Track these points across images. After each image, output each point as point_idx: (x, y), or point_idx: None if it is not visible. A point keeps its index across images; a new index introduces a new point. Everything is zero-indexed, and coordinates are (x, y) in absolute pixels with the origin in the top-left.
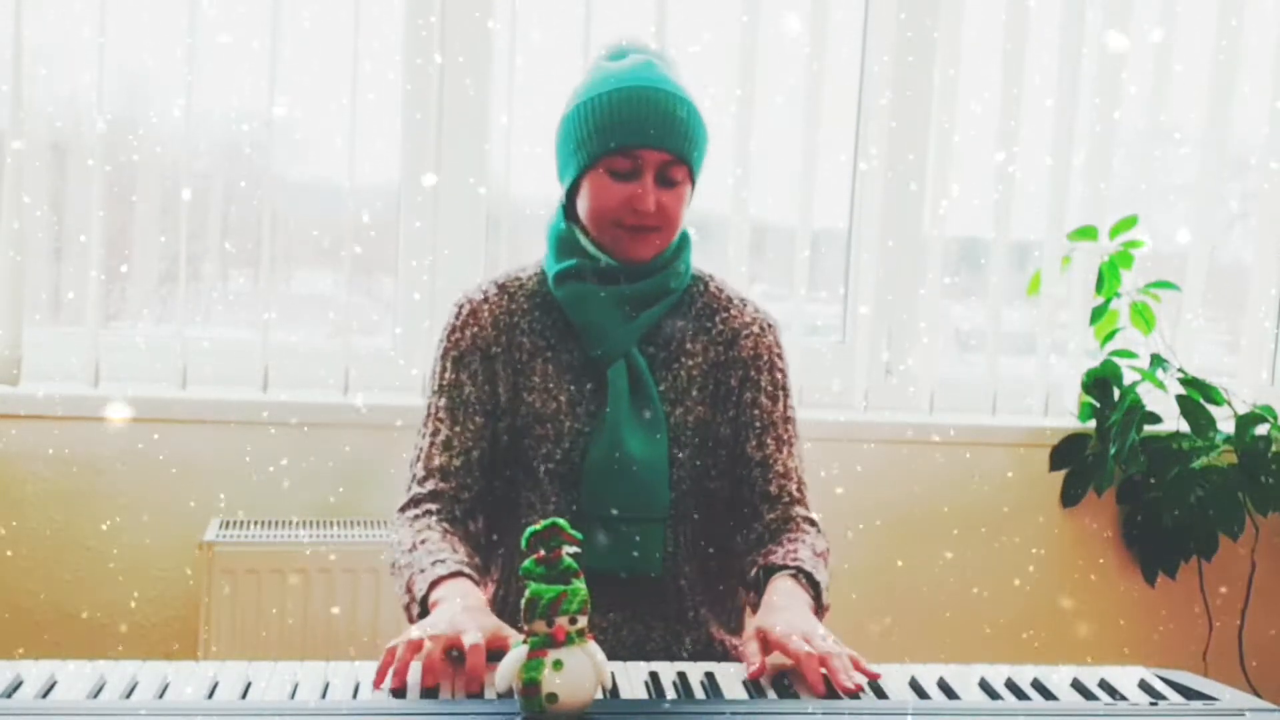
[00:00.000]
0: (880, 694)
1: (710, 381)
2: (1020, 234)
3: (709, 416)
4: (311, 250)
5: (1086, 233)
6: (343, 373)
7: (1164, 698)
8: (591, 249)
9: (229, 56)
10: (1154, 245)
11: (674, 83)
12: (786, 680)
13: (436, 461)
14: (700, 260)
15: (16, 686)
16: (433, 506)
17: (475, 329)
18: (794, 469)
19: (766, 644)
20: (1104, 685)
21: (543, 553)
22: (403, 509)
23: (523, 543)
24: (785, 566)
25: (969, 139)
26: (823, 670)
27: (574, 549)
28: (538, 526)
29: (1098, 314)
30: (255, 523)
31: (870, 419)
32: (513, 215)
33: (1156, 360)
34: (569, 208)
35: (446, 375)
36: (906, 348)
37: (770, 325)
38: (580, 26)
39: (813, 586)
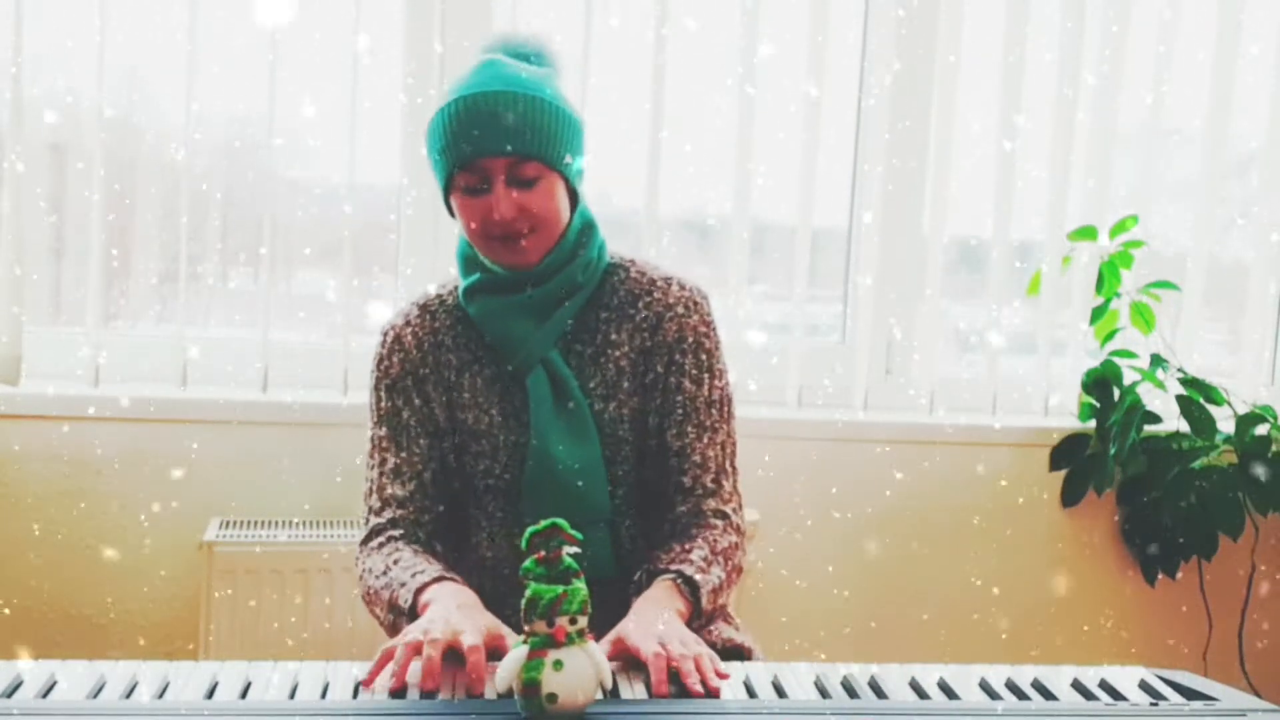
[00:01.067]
0: (880, 694)
1: (640, 369)
2: (1020, 234)
3: (641, 405)
4: (311, 250)
5: (1086, 233)
6: (343, 373)
7: (1164, 698)
8: (487, 262)
9: (229, 56)
10: (1154, 245)
11: (513, 77)
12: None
13: (390, 490)
14: (701, 260)
15: (16, 686)
16: (395, 533)
17: (401, 354)
18: (714, 457)
19: (621, 647)
20: (1104, 685)
21: (543, 553)
22: (364, 542)
23: (523, 543)
24: (666, 571)
25: (969, 139)
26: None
27: (574, 549)
28: (538, 526)
29: (1098, 314)
30: (255, 523)
31: (870, 419)
32: None
33: (1156, 360)
34: None
35: (383, 404)
36: (906, 348)
37: (697, 302)
38: (580, 27)
39: (691, 590)
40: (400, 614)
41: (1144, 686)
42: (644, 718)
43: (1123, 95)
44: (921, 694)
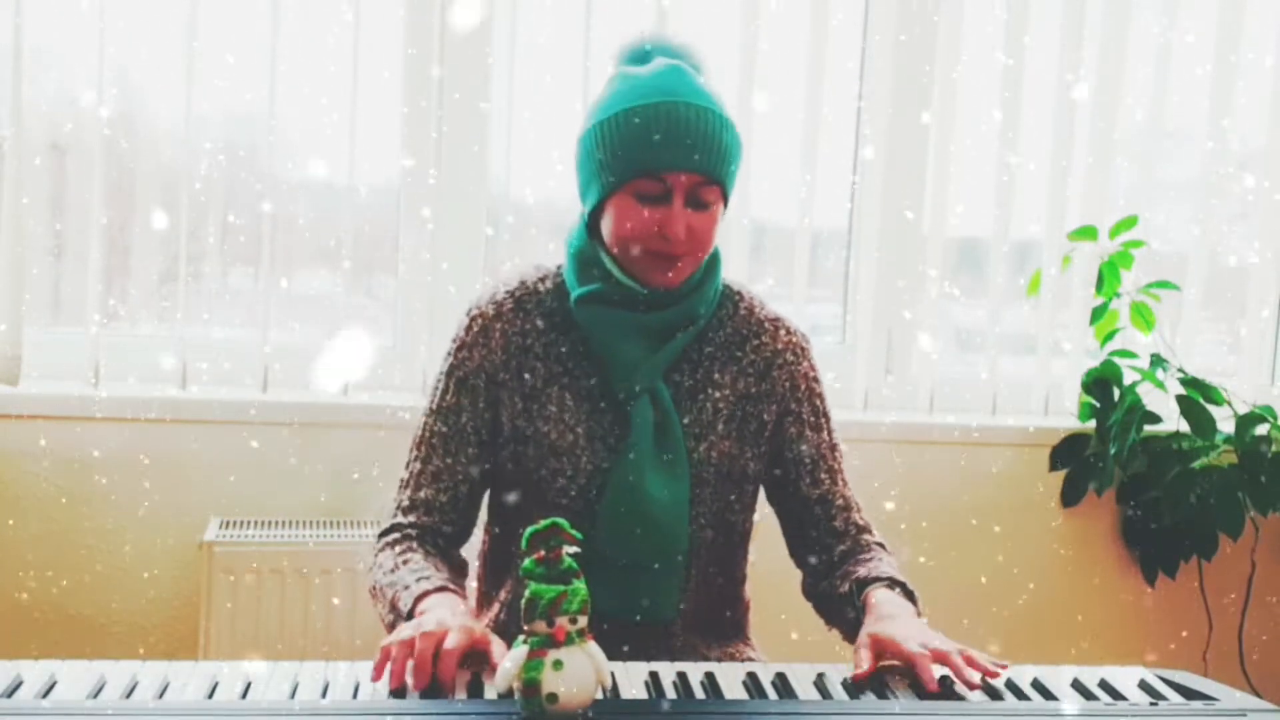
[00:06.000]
0: (879, 693)
1: (738, 413)
2: (1020, 234)
3: (735, 451)
4: (311, 250)
5: (1086, 233)
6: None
7: (1164, 698)
8: (616, 272)
9: (229, 56)
10: (1154, 245)
11: (705, 93)
12: (887, 680)
13: (423, 494)
14: None
15: (16, 686)
16: (413, 533)
17: (484, 350)
18: (851, 498)
19: (881, 649)
20: (1104, 685)
21: (543, 553)
22: (384, 534)
23: (523, 542)
24: (879, 578)
25: (969, 139)
26: (940, 668)
27: (574, 549)
28: (538, 526)
29: (1098, 314)
30: (255, 523)
31: (870, 419)
32: (513, 215)
33: (1156, 360)
34: (592, 224)
35: (447, 397)
36: (906, 348)
37: (804, 349)
38: (580, 26)
39: (908, 596)
40: (399, 616)
41: (1144, 686)
42: (644, 718)
43: (1123, 96)
44: (922, 694)
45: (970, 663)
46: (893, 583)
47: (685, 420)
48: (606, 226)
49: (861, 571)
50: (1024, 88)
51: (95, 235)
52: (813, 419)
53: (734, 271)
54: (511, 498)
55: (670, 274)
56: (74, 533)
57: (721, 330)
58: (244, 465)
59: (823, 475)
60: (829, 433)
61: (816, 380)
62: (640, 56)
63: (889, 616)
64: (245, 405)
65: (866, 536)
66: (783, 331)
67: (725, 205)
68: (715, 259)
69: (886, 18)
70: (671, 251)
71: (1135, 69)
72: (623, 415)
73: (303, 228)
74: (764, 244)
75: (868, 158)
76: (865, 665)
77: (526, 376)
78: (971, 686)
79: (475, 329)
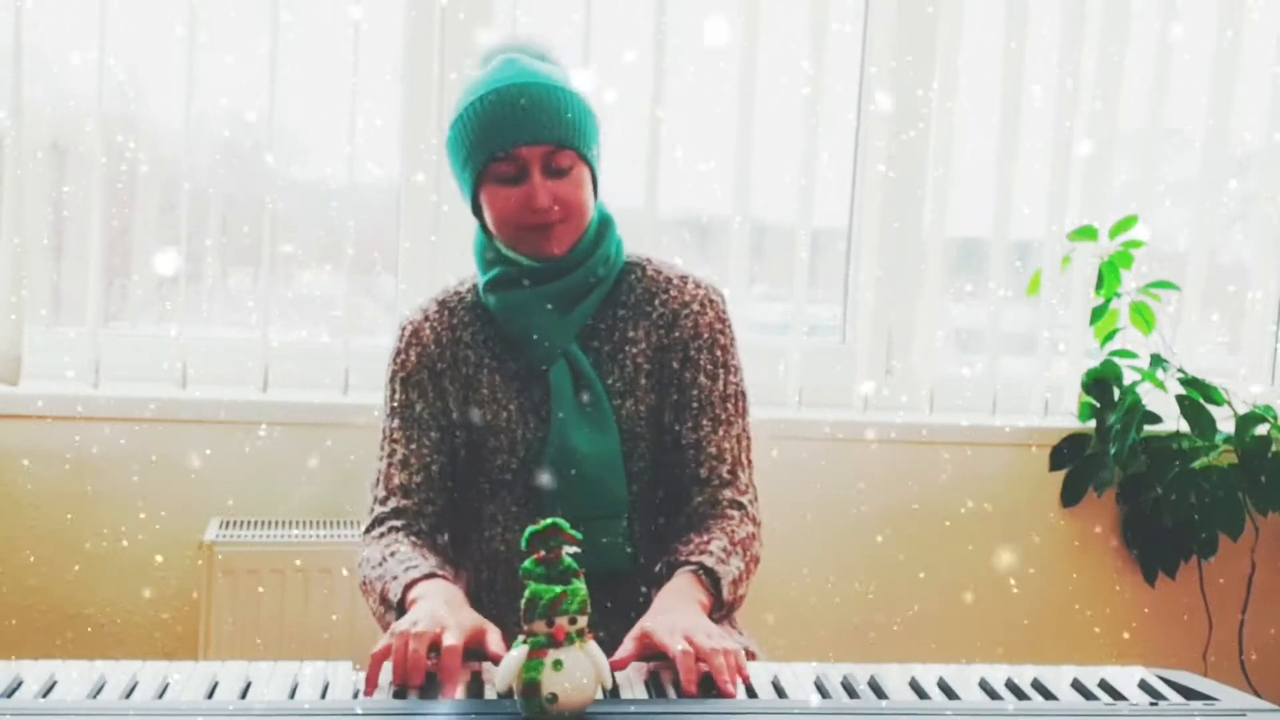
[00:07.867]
0: (880, 694)
1: (656, 367)
2: (1020, 234)
3: (659, 403)
4: (311, 250)
5: (1086, 233)
6: (343, 373)
7: (1164, 698)
8: (511, 255)
9: (228, 56)
10: (1154, 245)
11: (538, 73)
12: (662, 679)
13: (396, 480)
14: (701, 260)
15: (16, 686)
16: (397, 523)
17: (419, 349)
18: (729, 449)
19: (647, 642)
20: (1104, 685)
21: (543, 553)
22: (368, 530)
23: (523, 543)
24: (687, 562)
25: (969, 139)
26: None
27: (574, 549)
28: (538, 526)
29: (1098, 314)
30: (255, 523)
31: (870, 419)
32: None
33: (1156, 360)
34: (485, 225)
35: (397, 397)
36: (906, 348)
37: (713, 300)
38: (580, 27)
39: (713, 582)
40: (390, 608)
41: (1144, 686)
42: (644, 718)
43: (1123, 95)
44: (921, 694)
45: (731, 666)
46: (700, 567)
47: (610, 381)
48: (488, 218)
49: (680, 553)
50: (1024, 87)
51: (95, 235)
52: (709, 367)
53: (734, 272)
54: (463, 485)
55: (552, 243)
56: (74, 533)
57: (632, 293)
58: (244, 465)
59: (704, 421)
60: (726, 384)
61: (723, 332)
62: (485, 61)
63: (664, 608)
64: (245, 405)
65: (726, 493)
66: (691, 284)
67: (593, 170)
68: (607, 223)
69: (886, 18)
70: (544, 222)
71: (1135, 69)
72: (548, 386)
73: (303, 228)
74: (764, 244)
75: (868, 158)
76: (625, 654)
77: (461, 366)
78: (725, 693)
79: (408, 334)
